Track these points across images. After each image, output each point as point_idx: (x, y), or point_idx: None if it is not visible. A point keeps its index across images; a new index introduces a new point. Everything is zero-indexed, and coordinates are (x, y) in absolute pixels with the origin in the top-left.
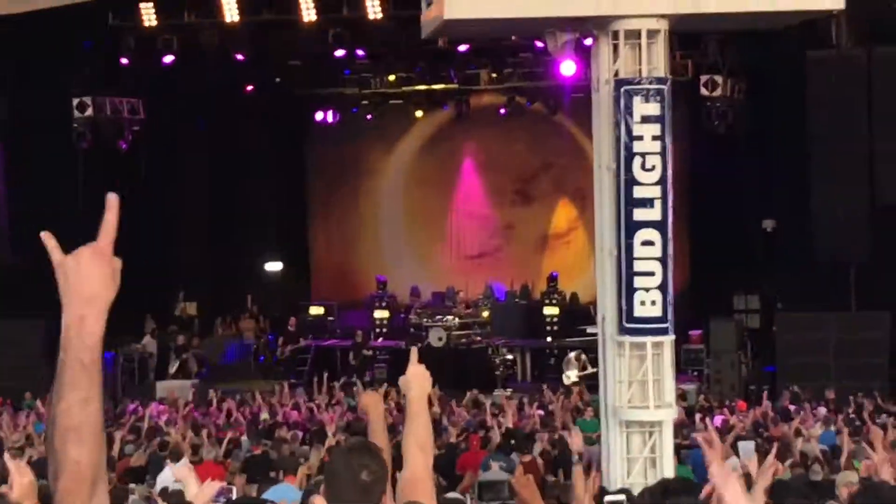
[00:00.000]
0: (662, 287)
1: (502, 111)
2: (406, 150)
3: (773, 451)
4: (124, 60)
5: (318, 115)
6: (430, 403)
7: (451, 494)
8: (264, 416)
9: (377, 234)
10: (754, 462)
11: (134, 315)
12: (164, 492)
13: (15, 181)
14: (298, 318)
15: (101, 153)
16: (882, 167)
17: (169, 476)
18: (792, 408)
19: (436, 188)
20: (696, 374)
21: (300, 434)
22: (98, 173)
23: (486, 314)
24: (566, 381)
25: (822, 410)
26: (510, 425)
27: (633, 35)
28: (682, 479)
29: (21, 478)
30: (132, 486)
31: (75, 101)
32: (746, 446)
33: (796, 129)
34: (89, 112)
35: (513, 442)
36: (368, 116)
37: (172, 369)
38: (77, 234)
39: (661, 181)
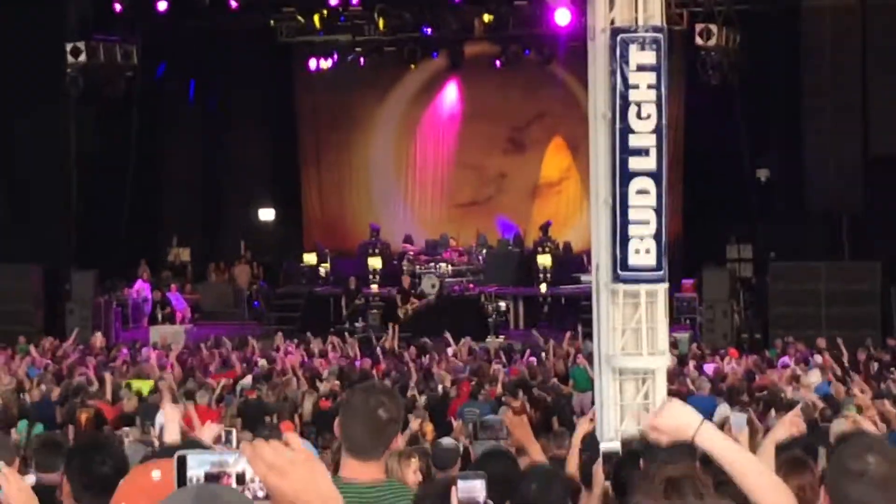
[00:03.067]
0: (657, 236)
1: (498, 63)
2: (399, 98)
3: (797, 410)
4: (118, 6)
5: (312, 63)
6: (422, 353)
7: (444, 440)
8: (262, 362)
9: (369, 183)
10: (745, 435)
11: (128, 261)
12: (163, 430)
13: (8, 129)
14: (357, 277)
15: (94, 99)
16: (876, 117)
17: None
18: (786, 357)
19: (428, 137)
20: (688, 322)
21: (294, 380)
22: (90, 120)
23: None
24: None
25: (818, 359)
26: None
27: None
28: None
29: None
30: (126, 429)
31: (69, 47)
32: (738, 420)
33: (791, 79)
34: (82, 57)
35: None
36: (362, 61)
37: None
38: (68, 183)
39: (657, 130)
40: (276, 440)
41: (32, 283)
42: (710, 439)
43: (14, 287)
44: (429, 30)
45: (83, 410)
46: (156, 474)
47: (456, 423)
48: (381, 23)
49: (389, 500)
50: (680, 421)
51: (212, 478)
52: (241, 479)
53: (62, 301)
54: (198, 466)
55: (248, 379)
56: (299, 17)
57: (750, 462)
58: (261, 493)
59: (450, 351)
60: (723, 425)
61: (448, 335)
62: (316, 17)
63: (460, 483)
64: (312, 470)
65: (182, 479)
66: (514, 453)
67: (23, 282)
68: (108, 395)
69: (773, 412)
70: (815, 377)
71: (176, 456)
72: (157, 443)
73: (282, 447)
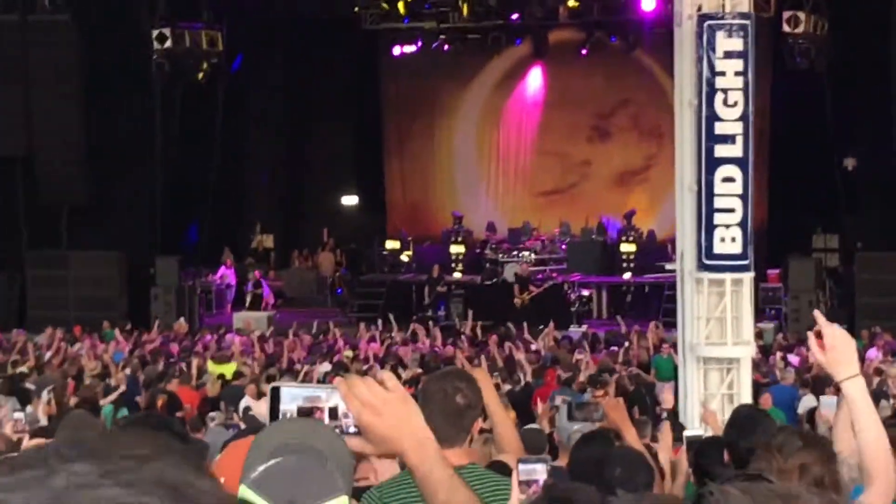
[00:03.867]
0: (742, 224)
1: (584, 51)
2: (482, 85)
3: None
4: None
5: (396, 50)
6: (506, 339)
7: (530, 425)
8: (347, 353)
9: (452, 170)
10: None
11: (212, 247)
12: (246, 412)
13: (93, 115)
14: (440, 264)
15: (179, 85)
16: None
17: (248, 401)
18: (873, 350)
19: (511, 124)
20: (773, 312)
21: (377, 367)
22: (175, 106)
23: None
24: None
25: None
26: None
27: None
28: (751, 407)
29: None
30: (211, 413)
31: (154, 33)
32: (829, 402)
33: (880, 66)
34: (168, 43)
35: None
36: (446, 48)
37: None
38: (152, 170)
39: (743, 117)
40: (370, 378)
41: (117, 269)
42: (857, 390)
43: (99, 273)
44: (515, 15)
45: (160, 395)
46: None
47: (542, 408)
48: (465, 9)
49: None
50: (846, 358)
51: (304, 412)
52: (333, 413)
53: (146, 287)
54: (291, 401)
55: (327, 365)
56: (384, 4)
57: (875, 424)
58: (352, 430)
59: (533, 345)
60: (811, 415)
61: (525, 326)
62: (400, 4)
63: (521, 466)
64: (407, 409)
65: (275, 411)
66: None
67: (108, 268)
68: (194, 381)
69: None
70: None
71: (270, 387)
72: (242, 426)
73: (376, 385)
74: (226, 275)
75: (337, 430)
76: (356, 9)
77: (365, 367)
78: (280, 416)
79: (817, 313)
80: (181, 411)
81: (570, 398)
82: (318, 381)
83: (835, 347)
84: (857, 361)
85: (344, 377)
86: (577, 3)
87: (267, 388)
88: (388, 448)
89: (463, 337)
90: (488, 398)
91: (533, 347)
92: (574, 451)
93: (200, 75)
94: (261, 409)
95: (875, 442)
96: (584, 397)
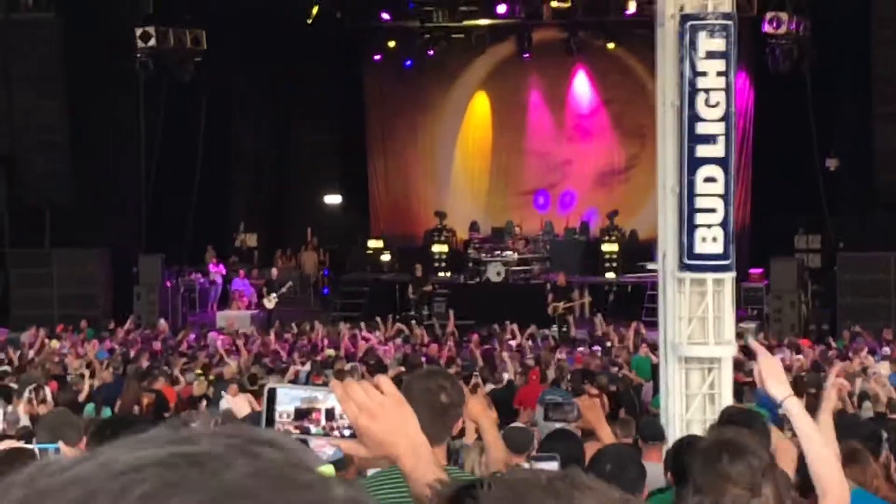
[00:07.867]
0: (724, 224)
1: (566, 50)
2: (466, 85)
3: (834, 370)
4: None
5: (378, 50)
6: (490, 339)
7: (514, 424)
8: (329, 352)
9: (435, 169)
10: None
11: (195, 246)
12: (226, 413)
13: (77, 114)
14: (423, 265)
15: (163, 84)
16: None
17: (228, 401)
18: (859, 349)
19: (495, 124)
20: (755, 312)
21: (359, 366)
22: (159, 105)
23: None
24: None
25: (887, 350)
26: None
27: None
28: (740, 408)
29: None
30: (192, 412)
31: (138, 31)
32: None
33: (861, 67)
34: (152, 42)
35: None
36: (430, 51)
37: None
38: (136, 169)
39: (725, 118)
40: (367, 382)
41: (101, 267)
42: (797, 406)
43: (82, 272)
44: (502, 7)
45: (147, 394)
46: None
47: (525, 411)
48: (449, 9)
49: None
50: (781, 379)
51: (302, 413)
52: (330, 414)
53: (130, 285)
54: (288, 402)
55: (309, 365)
56: (367, 4)
57: (818, 438)
58: (347, 432)
59: (513, 342)
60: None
61: (514, 325)
62: (383, 4)
63: (535, 465)
64: (402, 414)
65: (271, 413)
66: (580, 435)
67: (91, 266)
68: (179, 379)
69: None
70: (883, 369)
71: (266, 389)
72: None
73: (373, 389)
74: (214, 273)
75: (335, 433)
76: (338, 15)
77: (347, 367)
78: (277, 417)
79: (751, 340)
80: (168, 411)
81: (556, 398)
82: (305, 381)
83: (772, 372)
84: (788, 385)
85: (341, 381)
86: (560, 3)
87: (250, 387)
88: (382, 452)
89: (446, 336)
90: (487, 427)
91: (514, 346)
92: (540, 449)
93: (184, 74)
94: (240, 406)
95: (820, 456)
96: (571, 397)
